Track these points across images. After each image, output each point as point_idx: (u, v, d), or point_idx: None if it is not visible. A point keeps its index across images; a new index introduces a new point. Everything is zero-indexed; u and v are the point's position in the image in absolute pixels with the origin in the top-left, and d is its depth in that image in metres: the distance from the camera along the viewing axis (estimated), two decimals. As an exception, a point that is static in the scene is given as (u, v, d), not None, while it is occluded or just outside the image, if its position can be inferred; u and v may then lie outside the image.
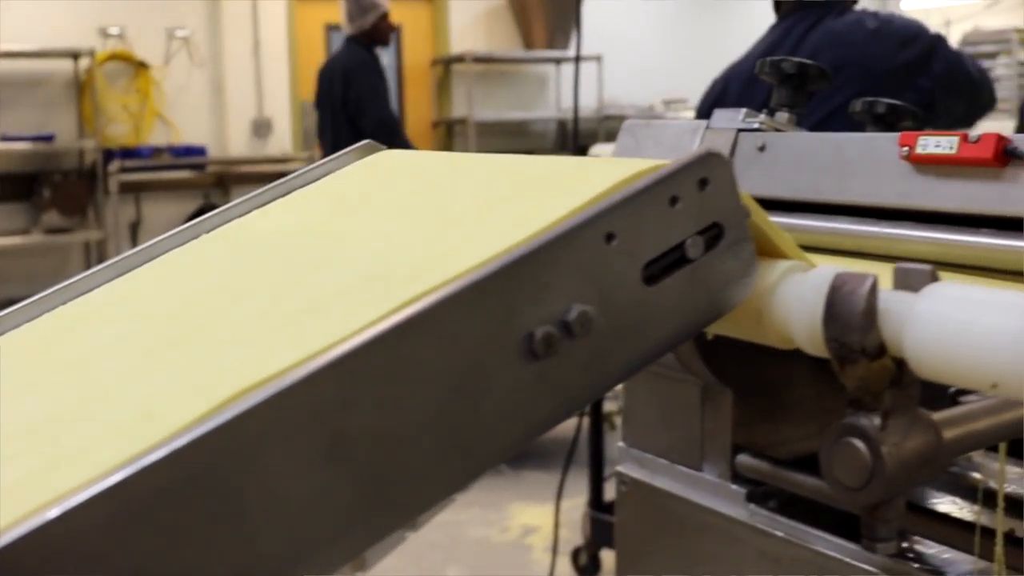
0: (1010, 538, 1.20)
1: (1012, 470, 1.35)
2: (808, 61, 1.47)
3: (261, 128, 8.78)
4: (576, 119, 3.64)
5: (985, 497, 1.35)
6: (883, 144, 1.22)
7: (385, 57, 9.36)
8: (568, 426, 3.44)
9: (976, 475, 1.43)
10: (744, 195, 0.82)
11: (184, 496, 0.58)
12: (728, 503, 1.32)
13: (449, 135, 9.67)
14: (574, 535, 4.00)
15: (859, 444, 0.74)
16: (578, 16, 3.36)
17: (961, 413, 0.80)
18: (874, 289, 0.72)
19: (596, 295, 0.71)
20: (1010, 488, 1.38)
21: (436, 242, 0.78)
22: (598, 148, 7.12)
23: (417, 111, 9.55)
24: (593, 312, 0.70)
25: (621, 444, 1.51)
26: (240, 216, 1.07)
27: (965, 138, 1.13)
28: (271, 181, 1.16)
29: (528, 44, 9.53)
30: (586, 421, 3.72)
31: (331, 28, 9.22)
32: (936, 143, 1.15)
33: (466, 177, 0.91)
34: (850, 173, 1.26)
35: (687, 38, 10.70)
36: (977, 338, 0.67)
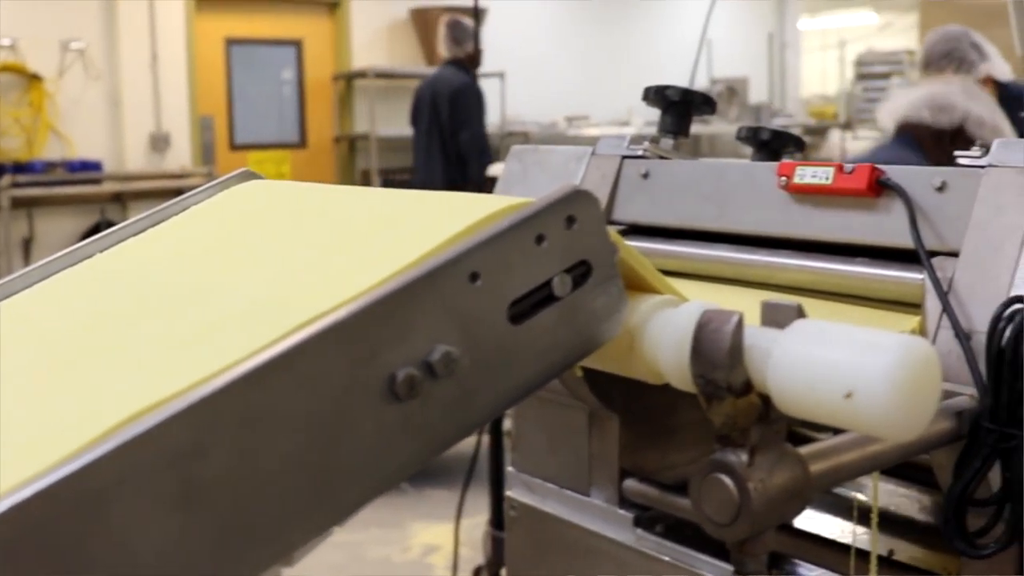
0: (887, 560, 1.23)
1: (897, 490, 1.38)
2: (693, 89, 1.48)
3: (159, 143, 8.65)
4: (484, 133, 3.60)
5: (863, 516, 1.37)
6: (762, 173, 1.23)
7: (285, 71, 9.32)
8: (469, 443, 3.43)
9: (859, 496, 1.45)
10: (612, 232, 0.82)
11: (26, 551, 0.56)
12: (615, 528, 1.32)
13: (351, 151, 9.61)
14: (476, 554, 3.98)
15: (726, 480, 0.74)
16: (476, 33, 3.37)
17: (829, 447, 0.80)
18: (739, 327, 0.73)
19: (460, 335, 0.70)
20: (892, 507, 1.41)
21: (300, 279, 0.76)
22: (496, 168, 7.07)
23: (318, 126, 9.48)
24: (457, 352, 0.70)
25: (511, 469, 1.50)
26: (133, 236, 1.05)
27: (840, 168, 1.15)
28: (170, 197, 1.14)
29: (431, 60, 9.52)
30: (486, 439, 3.70)
31: (232, 41, 9.13)
32: (813, 173, 1.17)
33: (334, 211, 0.90)
34: (731, 201, 1.27)
35: (590, 55, 10.79)
36: (834, 374, 0.68)
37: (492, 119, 9.47)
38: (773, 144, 1.53)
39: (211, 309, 0.76)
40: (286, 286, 0.76)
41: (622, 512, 1.31)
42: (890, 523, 1.29)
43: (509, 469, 1.51)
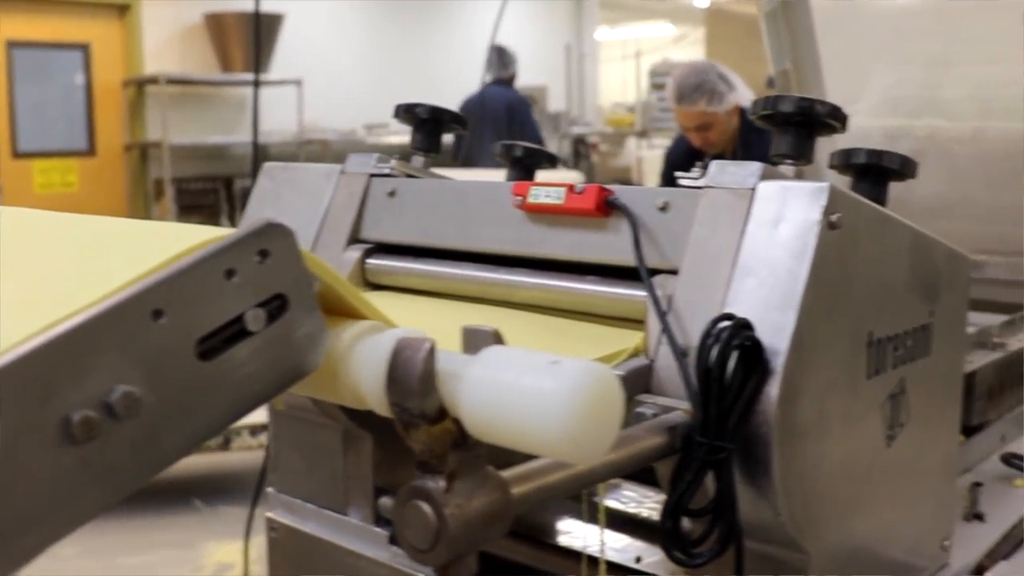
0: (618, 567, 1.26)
1: (649, 494, 1.41)
2: (442, 107, 1.49)
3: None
4: (256, 144, 3.53)
5: (614, 524, 1.41)
6: (501, 192, 1.25)
7: (72, 76, 9.00)
8: (259, 459, 3.36)
9: (614, 503, 1.48)
10: (316, 260, 0.81)
11: None
12: (372, 546, 1.32)
13: (143, 159, 9.35)
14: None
15: (424, 507, 0.75)
16: (257, 38, 3.31)
17: (535, 468, 0.82)
18: (431, 354, 0.73)
19: (144, 374, 0.68)
20: (644, 513, 1.45)
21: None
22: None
23: (108, 134, 9.18)
24: (140, 392, 0.68)
25: (270, 490, 1.48)
26: None
27: (572, 189, 1.17)
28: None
29: (226, 66, 9.35)
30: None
31: (14, 44, 8.77)
32: (546, 193, 1.19)
33: (26, 241, 0.86)
34: (472, 220, 1.28)
35: (391, 62, 10.77)
36: (518, 399, 0.69)
37: (289, 127, 9.38)
38: (526, 161, 1.55)
39: None
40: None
41: (378, 530, 1.31)
42: (641, 529, 1.32)
43: (269, 490, 1.49)
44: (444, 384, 0.74)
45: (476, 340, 0.77)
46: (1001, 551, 1.48)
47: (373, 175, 1.40)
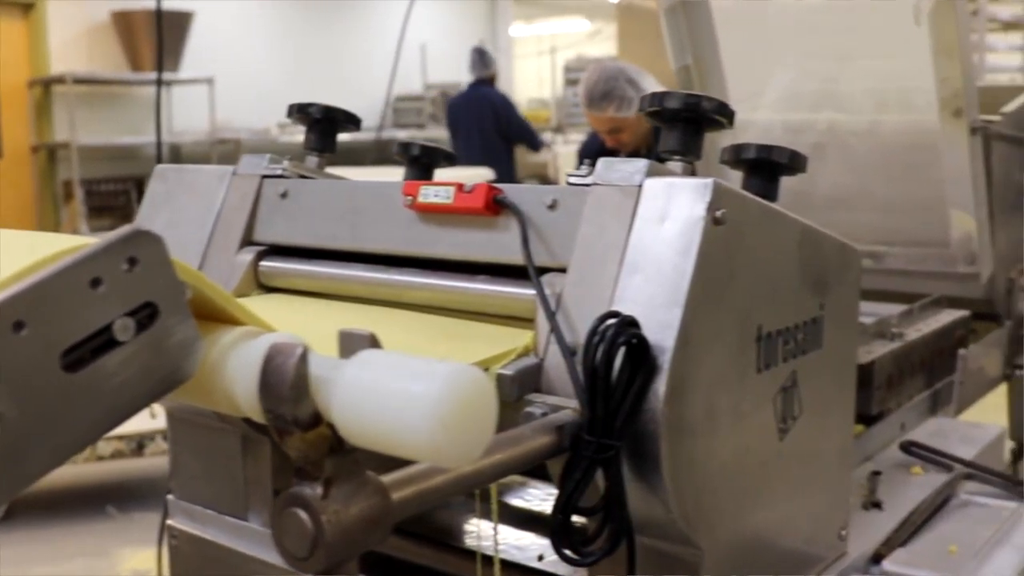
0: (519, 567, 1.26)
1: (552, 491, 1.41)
2: (335, 107, 1.47)
3: None
4: (159, 144, 3.47)
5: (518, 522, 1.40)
6: (391, 192, 1.24)
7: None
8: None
9: (520, 502, 1.48)
10: (186, 268, 0.79)
11: None
12: (273, 551, 1.30)
13: (51, 160, 9.15)
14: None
15: (301, 514, 0.74)
16: (159, 35, 3.26)
17: (417, 472, 0.81)
18: (303, 359, 0.72)
19: (5, 387, 0.66)
20: (537, 507, 1.45)
21: None
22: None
23: (14, 135, 8.92)
24: (2, 407, 0.66)
25: (170, 497, 1.46)
26: None
27: (461, 188, 1.16)
28: None
29: (135, 65, 9.19)
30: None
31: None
32: (435, 192, 1.18)
33: None
34: (364, 220, 1.27)
35: (305, 59, 10.67)
36: (388, 404, 0.68)
37: (201, 127, 9.25)
38: (424, 159, 1.54)
39: None
40: None
41: (277, 535, 1.29)
42: (544, 526, 1.32)
43: (169, 497, 1.46)
44: (317, 389, 0.73)
45: (352, 344, 0.76)
46: (898, 538, 1.50)
47: (265, 176, 1.38)
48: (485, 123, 7.73)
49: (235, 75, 9.71)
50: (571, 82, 11.75)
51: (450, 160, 1.58)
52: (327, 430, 0.73)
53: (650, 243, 1.01)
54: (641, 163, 1.05)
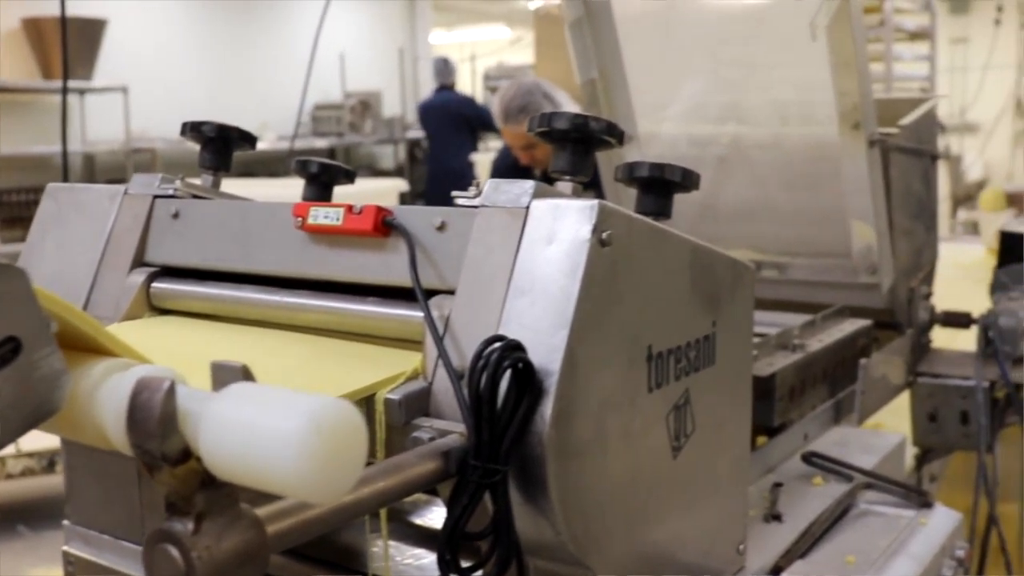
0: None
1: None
2: (229, 125, 1.46)
3: None
4: (65, 154, 3.40)
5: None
6: (282, 213, 1.22)
7: None
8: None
9: (421, 520, 1.47)
10: (53, 299, 0.78)
11: None
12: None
13: (-37, 171, 8.96)
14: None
15: (172, 551, 0.72)
16: (64, 42, 3.20)
17: (292, 504, 0.80)
18: (170, 394, 0.70)
19: None
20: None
21: None
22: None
23: (-77, 145, 8.77)
24: None
25: (66, 522, 1.43)
26: None
27: (350, 209, 1.15)
28: None
29: (46, 73, 9.02)
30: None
31: None
32: (325, 214, 1.17)
33: None
34: (255, 242, 1.26)
35: (223, 67, 10.56)
36: (254, 439, 0.67)
37: (115, 135, 9.10)
38: (323, 177, 1.53)
39: None
40: None
41: (174, 561, 1.27)
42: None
43: (64, 523, 1.44)
44: (187, 423, 0.71)
45: (223, 375, 0.74)
46: (798, 550, 1.51)
47: (157, 196, 1.36)
48: (453, 122, 8.51)
49: (151, 83, 9.58)
50: (491, 89, 11.76)
51: (349, 177, 1.56)
52: (197, 464, 0.72)
53: (537, 265, 1.01)
54: (528, 184, 1.05)
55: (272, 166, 9.34)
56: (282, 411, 0.67)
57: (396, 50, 12.10)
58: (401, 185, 5.98)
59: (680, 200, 1.28)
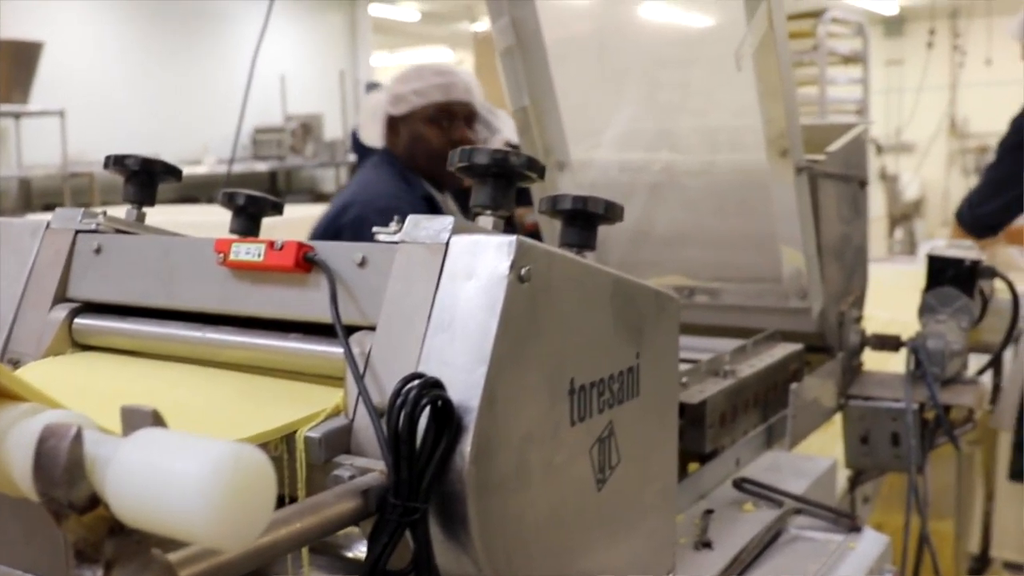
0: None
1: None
2: (153, 158, 1.45)
3: None
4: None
5: None
6: (204, 249, 1.22)
7: None
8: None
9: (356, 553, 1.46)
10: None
11: None
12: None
13: None
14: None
15: (78, 599, 0.72)
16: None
17: (201, 551, 0.79)
18: (77, 441, 0.70)
19: None
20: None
21: None
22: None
23: None
24: None
25: (-11, 562, 1.41)
26: None
27: (272, 245, 1.15)
28: None
29: (-13, 93, 8.91)
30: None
31: None
32: (247, 250, 1.16)
33: None
34: (177, 278, 1.25)
35: (163, 90, 10.49)
36: (160, 486, 0.66)
37: (52, 159, 9.00)
38: (250, 209, 1.52)
39: None
40: None
41: (99, 601, 1.26)
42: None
43: (-14, 561, 1.41)
44: (94, 470, 0.70)
45: (133, 420, 0.74)
46: (727, 577, 1.53)
47: (79, 231, 1.35)
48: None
49: (89, 107, 9.49)
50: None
51: (277, 208, 1.56)
52: (106, 511, 0.71)
53: (456, 301, 1.01)
54: (448, 220, 1.05)
55: (212, 190, 9.27)
56: (189, 457, 0.66)
57: (337, 72, 12.07)
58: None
59: (613, 227, 1.29)
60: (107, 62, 10.11)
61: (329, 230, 3.39)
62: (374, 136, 3.53)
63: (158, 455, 0.68)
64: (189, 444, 0.68)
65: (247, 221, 1.52)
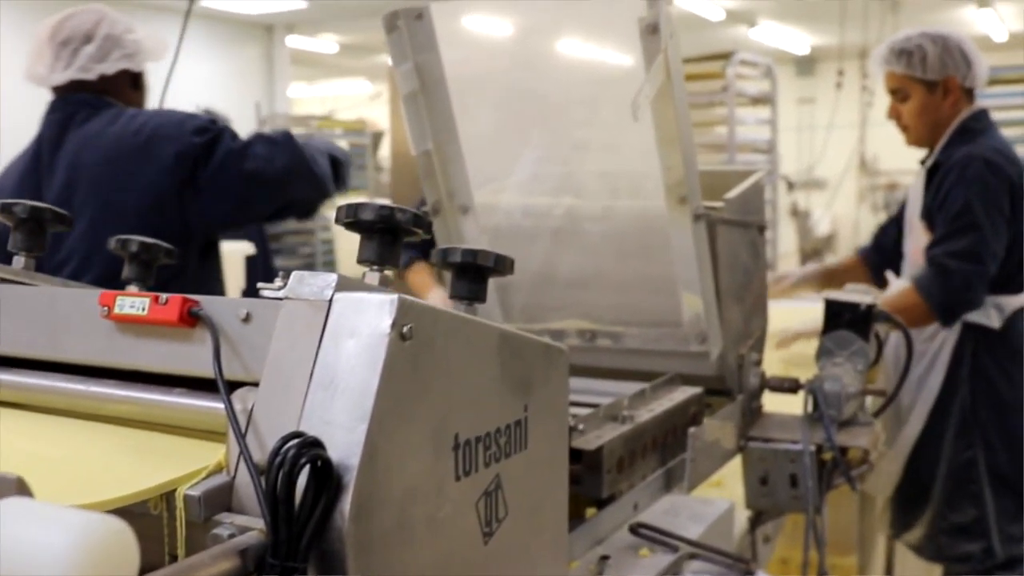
0: None
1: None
2: (43, 205, 1.43)
3: None
4: None
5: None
6: (89, 301, 1.21)
7: None
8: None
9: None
10: None
11: None
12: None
13: None
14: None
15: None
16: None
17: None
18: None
19: None
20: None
21: None
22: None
23: None
24: None
25: None
26: None
27: (156, 300, 1.14)
28: None
29: None
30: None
31: None
32: (131, 304, 1.16)
33: None
34: (63, 329, 1.23)
35: None
36: (21, 555, 0.66)
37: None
38: (143, 256, 1.52)
39: None
40: None
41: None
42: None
43: None
44: (-45, 541, 0.70)
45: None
46: (621, 624, 1.54)
47: (-37, 280, 1.33)
48: None
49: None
50: (354, 144, 11.75)
51: (170, 256, 1.55)
52: (-36, 583, 0.70)
53: (338, 359, 1.01)
54: (332, 277, 1.06)
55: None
56: (52, 528, 0.66)
57: (253, 104, 12.00)
58: (247, 248, 5.88)
59: (517, 270, 1.30)
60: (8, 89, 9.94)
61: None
62: None
63: (22, 526, 0.68)
64: (53, 515, 0.67)
65: (141, 268, 1.52)
